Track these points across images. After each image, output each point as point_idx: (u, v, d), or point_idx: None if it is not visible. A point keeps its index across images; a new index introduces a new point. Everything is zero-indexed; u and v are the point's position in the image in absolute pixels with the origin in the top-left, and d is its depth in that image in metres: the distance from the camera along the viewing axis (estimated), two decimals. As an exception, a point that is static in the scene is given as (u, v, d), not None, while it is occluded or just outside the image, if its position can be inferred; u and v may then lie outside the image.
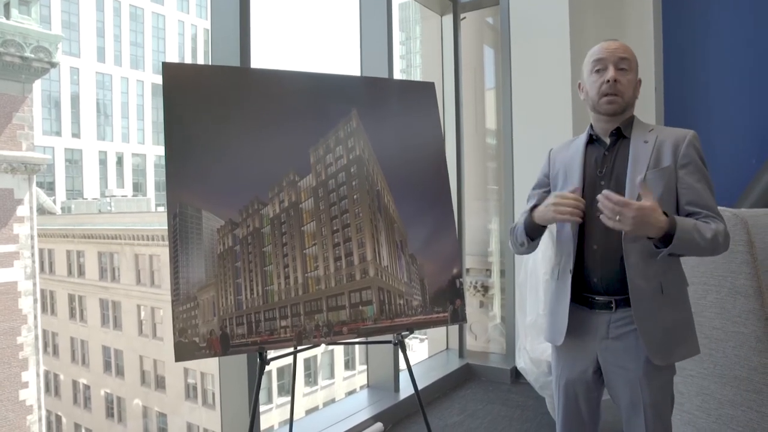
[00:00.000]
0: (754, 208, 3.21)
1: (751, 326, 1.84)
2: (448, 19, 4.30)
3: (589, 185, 1.58)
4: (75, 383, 21.81)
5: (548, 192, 1.71)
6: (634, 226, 1.35)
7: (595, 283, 1.56)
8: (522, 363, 2.95)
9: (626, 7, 4.13)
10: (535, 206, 1.61)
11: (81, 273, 21.60)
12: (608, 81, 1.52)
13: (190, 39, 36.53)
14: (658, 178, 1.49)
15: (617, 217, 1.35)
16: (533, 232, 1.62)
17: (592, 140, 1.64)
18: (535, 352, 2.82)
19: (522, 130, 3.89)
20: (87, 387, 21.31)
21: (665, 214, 1.37)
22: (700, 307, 1.95)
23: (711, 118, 4.03)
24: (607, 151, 1.59)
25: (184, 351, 1.85)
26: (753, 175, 3.75)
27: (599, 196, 1.38)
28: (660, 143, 1.52)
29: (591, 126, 1.65)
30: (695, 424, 2.05)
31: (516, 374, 3.80)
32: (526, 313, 2.94)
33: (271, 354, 2.01)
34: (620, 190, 1.51)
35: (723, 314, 1.92)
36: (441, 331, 4.32)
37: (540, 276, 2.83)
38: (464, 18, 4.36)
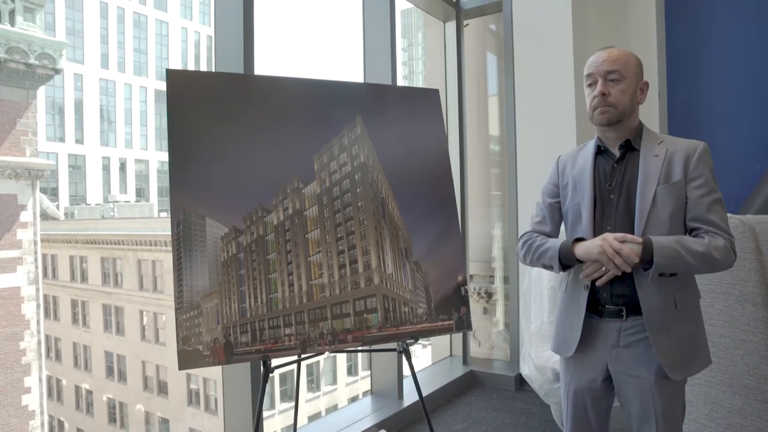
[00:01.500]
0: (759, 215, 3.19)
1: (760, 334, 1.83)
2: (451, 25, 4.30)
3: (599, 198, 1.57)
4: (77, 388, 21.79)
5: (559, 203, 1.70)
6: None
7: (605, 297, 1.55)
8: (527, 370, 2.94)
9: (629, 14, 4.13)
10: (578, 239, 1.54)
11: (84, 278, 21.61)
12: (597, 96, 1.53)
13: (193, 46, 36.67)
14: (668, 193, 1.48)
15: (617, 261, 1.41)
16: (570, 262, 1.56)
17: (600, 151, 1.62)
18: (540, 359, 2.81)
19: (525, 136, 3.89)
20: (89, 392, 21.28)
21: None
22: (708, 315, 1.93)
23: (715, 124, 4.02)
24: (616, 164, 1.58)
25: (187, 359, 1.84)
26: (757, 181, 3.74)
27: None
28: (670, 156, 1.51)
29: (598, 136, 1.64)
30: (703, 433, 2.03)
31: (520, 381, 3.77)
32: (531, 320, 2.93)
33: (274, 362, 1.99)
34: (630, 203, 1.51)
35: (731, 322, 1.90)
36: (445, 337, 4.30)
37: (545, 283, 2.82)
38: (467, 25, 4.36)
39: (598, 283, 1.49)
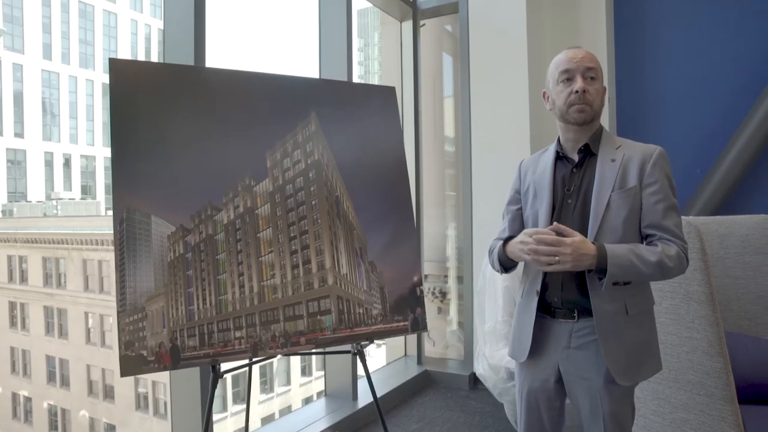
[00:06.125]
0: (700, 216, 3.32)
1: (704, 331, 1.88)
2: (408, 25, 4.29)
3: (557, 204, 1.55)
4: (15, 396, 20.74)
5: (521, 209, 1.68)
6: (573, 262, 1.37)
7: (555, 301, 1.55)
8: (481, 369, 2.95)
9: (580, 18, 4.23)
10: (509, 238, 1.58)
11: (23, 279, 20.64)
12: (577, 91, 1.49)
13: (143, 39, 35.51)
14: (622, 199, 1.46)
15: (556, 258, 1.37)
16: (507, 263, 1.62)
17: (560, 156, 1.59)
18: (494, 358, 2.83)
19: (480, 137, 3.92)
20: (28, 399, 20.30)
21: (593, 243, 1.40)
22: (656, 313, 1.97)
23: (659, 127, 4.16)
24: (575, 168, 1.55)
25: (131, 365, 1.75)
26: (698, 185, 3.89)
27: (529, 248, 1.41)
28: (626, 161, 1.49)
29: (558, 140, 1.61)
30: (651, 428, 2.08)
31: (474, 380, 3.80)
32: (485, 319, 2.95)
33: (224, 366, 1.92)
34: (586, 209, 1.49)
35: (677, 320, 1.95)
36: (399, 337, 4.29)
37: (498, 283, 2.84)
38: (423, 25, 4.37)
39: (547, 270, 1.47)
